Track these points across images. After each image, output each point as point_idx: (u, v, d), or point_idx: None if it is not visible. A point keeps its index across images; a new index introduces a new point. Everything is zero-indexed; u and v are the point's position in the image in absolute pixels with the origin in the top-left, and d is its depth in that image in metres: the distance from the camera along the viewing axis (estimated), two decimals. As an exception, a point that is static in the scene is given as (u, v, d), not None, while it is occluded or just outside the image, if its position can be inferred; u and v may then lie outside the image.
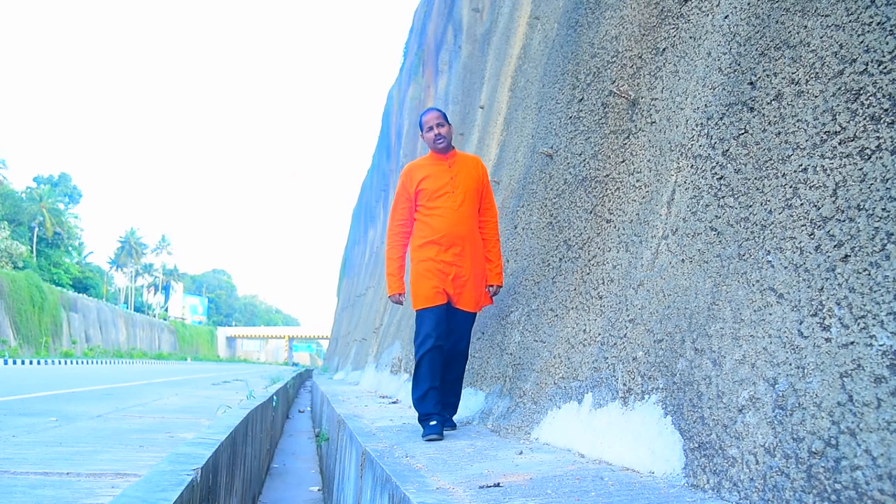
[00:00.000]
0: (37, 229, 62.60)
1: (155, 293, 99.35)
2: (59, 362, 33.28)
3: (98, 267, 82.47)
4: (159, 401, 8.23)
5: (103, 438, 4.20)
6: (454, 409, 4.51)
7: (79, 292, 60.70)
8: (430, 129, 4.36)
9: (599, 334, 3.49)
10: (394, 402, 7.78)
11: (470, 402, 5.07)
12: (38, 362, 30.87)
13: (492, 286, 4.53)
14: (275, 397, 9.60)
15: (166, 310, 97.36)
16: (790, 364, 2.04)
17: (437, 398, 4.14)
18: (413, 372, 4.21)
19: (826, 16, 2.31)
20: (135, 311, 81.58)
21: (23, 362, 29.61)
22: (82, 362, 36.38)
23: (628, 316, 3.22)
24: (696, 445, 2.38)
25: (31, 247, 60.79)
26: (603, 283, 3.66)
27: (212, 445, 3.48)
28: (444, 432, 4.10)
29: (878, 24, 2.05)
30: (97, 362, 38.64)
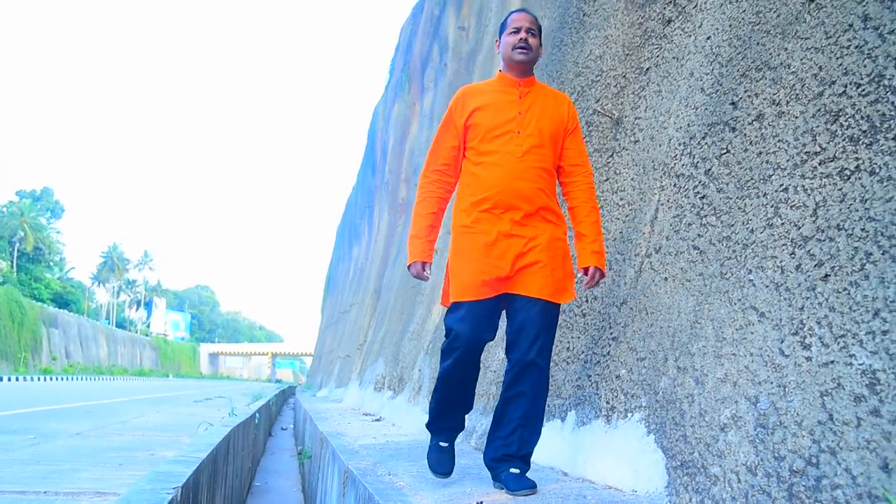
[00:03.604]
0: (17, 244, 62.06)
1: (137, 309, 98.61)
2: (38, 379, 32.87)
3: (80, 282, 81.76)
4: (140, 418, 8.15)
5: (82, 456, 4.15)
6: (526, 463, 2.85)
7: (59, 308, 60.08)
8: (517, 30, 2.96)
9: (583, 352, 3.50)
10: (377, 420, 7.74)
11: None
12: (17, 379, 30.47)
13: (587, 268, 2.91)
14: (257, 415, 9.53)
15: (148, 326, 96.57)
16: (771, 383, 2.05)
17: (459, 416, 3.03)
18: (435, 384, 3.00)
19: (806, 38, 2.35)
20: (116, 327, 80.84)
21: (0, 379, 29.25)
22: (62, 379, 35.96)
23: (612, 334, 3.23)
24: (679, 464, 2.39)
25: (12, 262, 60.21)
26: (586, 300, 3.67)
27: (192, 464, 3.45)
28: (524, 496, 2.67)
29: (857, 47, 2.09)
30: (77, 379, 38.21)
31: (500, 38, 3.05)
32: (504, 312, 2.93)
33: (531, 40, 2.94)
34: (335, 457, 4.47)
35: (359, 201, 28.56)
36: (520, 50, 2.92)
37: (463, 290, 2.80)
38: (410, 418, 6.64)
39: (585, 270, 2.91)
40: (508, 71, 3.01)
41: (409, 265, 3.00)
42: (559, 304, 2.88)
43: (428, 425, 3.06)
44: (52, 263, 69.87)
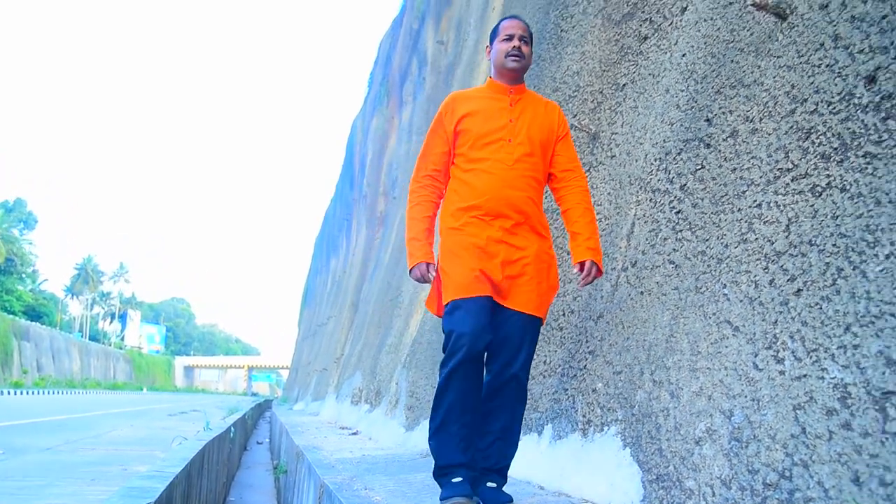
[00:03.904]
0: (-11, 255, 61.15)
1: (111, 322, 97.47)
2: (9, 392, 32.35)
3: (53, 294, 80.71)
4: (113, 432, 8.05)
5: (53, 472, 4.09)
6: (503, 476, 2.80)
7: (32, 320, 59.20)
8: (509, 37, 2.91)
9: (560, 366, 3.51)
10: (354, 434, 7.70)
11: (430, 433, 5.04)
12: (-13, 392, 29.96)
13: (583, 263, 2.80)
14: (232, 428, 9.44)
15: (122, 339, 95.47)
16: (745, 396, 2.07)
17: (466, 440, 2.70)
18: (433, 399, 2.78)
19: (778, 57, 2.39)
20: (90, 339, 79.82)
21: (-30, 392, 28.74)
22: (33, 392, 35.40)
23: (588, 347, 3.25)
24: (655, 477, 2.39)
25: (-17, 273, 59.32)
26: (563, 314, 3.69)
27: (166, 479, 3.41)
28: None
29: (828, 66, 2.12)
30: (49, 392, 37.64)
31: (490, 44, 3.00)
32: None
33: (524, 48, 2.90)
34: (311, 471, 4.44)
35: (337, 213, 28.51)
36: (513, 58, 2.88)
37: (457, 289, 2.70)
38: (387, 432, 6.61)
39: (581, 266, 2.80)
40: (499, 78, 2.96)
41: (412, 268, 2.84)
42: (541, 318, 2.82)
43: (435, 472, 2.76)
44: (24, 275, 68.89)
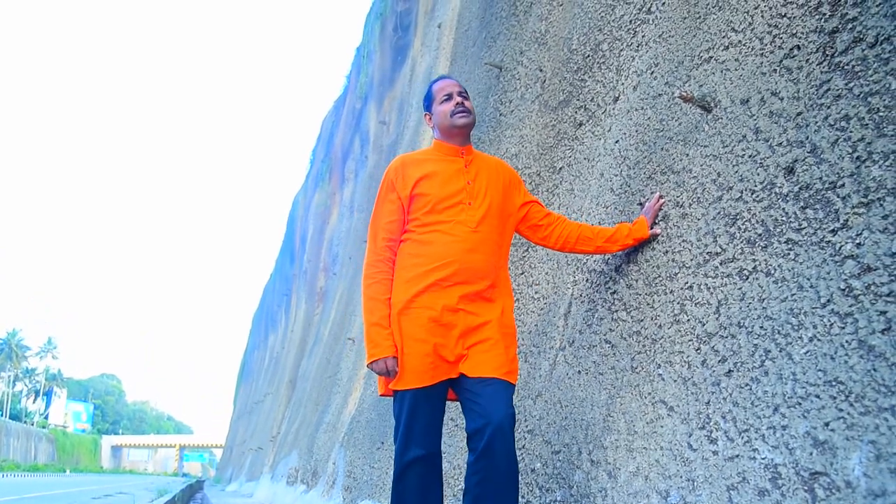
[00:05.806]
0: None
1: (35, 399, 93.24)
2: (-81, 476, 30.39)
3: (-28, 371, 77.10)
4: (32, 518, 7.62)
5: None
6: None
7: (-52, 398, 56.26)
8: (448, 97, 2.80)
9: (499, 445, 3.49)
10: (289, 517, 7.45)
11: (368, 516, 4.91)
12: None
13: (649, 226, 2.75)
14: (161, 513, 9.04)
15: (46, 417, 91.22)
16: (681, 476, 2.10)
17: None
18: (391, 494, 2.61)
19: (705, 146, 2.51)
20: (10, 418, 76.09)
21: None
22: (-55, 475, 33.31)
23: (527, 427, 3.25)
24: (594, 560, 2.38)
25: None
26: (503, 393, 3.69)
27: (88, 569, 3.24)
28: None
29: (750, 156, 2.24)
30: (-37, 475, 35.49)
31: (428, 111, 2.89)
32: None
33: (466, 103, 2.78)
34: (243, 558, 4.27)
35: (276, 288, 28.19)
36: (460, 114, 2.75)
37: (410, 376, 2.53)
38: (324, 515, 6.43)
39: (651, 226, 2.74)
40: (448, 139, 2.81)
41: (374, 360, 2.57)
42: (514, 385, 2.60)
43: None
44: (-58, 350, 65.81)
